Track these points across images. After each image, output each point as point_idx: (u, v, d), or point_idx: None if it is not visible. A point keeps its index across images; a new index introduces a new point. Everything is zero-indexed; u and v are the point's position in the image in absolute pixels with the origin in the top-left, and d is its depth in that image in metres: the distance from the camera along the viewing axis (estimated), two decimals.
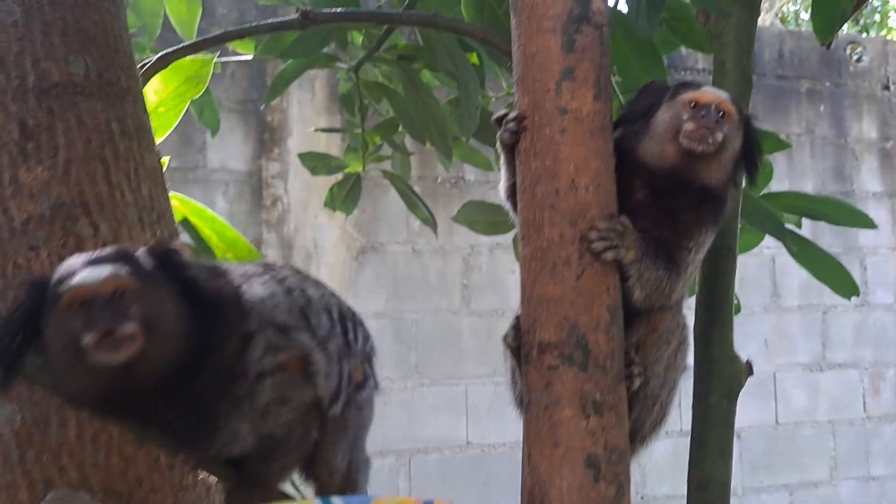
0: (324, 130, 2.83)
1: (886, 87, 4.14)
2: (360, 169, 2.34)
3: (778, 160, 3.95)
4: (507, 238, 3.62)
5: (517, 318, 0.84)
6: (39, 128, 0.91)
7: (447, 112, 1.92)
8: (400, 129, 2.23)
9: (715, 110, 0.88)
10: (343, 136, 3.09)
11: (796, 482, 3.87)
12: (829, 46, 1.35)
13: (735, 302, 2.34)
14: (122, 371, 0.72)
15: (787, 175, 3.85)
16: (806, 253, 2.07)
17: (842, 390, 3.95)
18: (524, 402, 0.81)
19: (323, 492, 0.81)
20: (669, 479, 3.36)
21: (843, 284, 2.10)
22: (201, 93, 1.44)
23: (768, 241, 3.21)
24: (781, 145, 2.07)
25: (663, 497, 3.56)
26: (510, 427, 3.64)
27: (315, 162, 2.56)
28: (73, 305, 0.73)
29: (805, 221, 2.21)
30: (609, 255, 0.81)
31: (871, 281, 4.04)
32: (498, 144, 0.87)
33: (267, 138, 3.37)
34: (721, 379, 0.93)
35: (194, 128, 3.11)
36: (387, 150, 2.36)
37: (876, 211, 3.95)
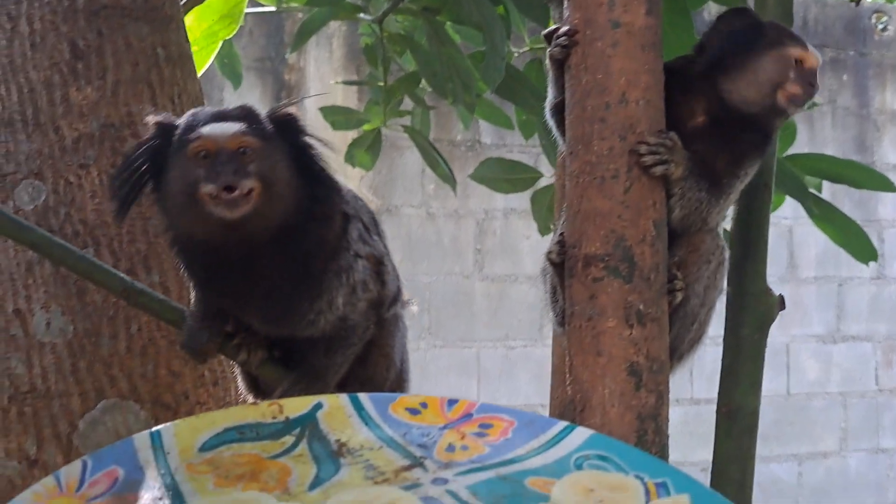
0: (347, 83, 2.83)
1: None
2: (381, 124, 2.34)
3: (799, 130, 3.92)
4: (521, 203, 3.63)
5: (561, 234, 0.86)
6: (89, 48, 0.92)
7: (471, 66, 1.92)
8: (421, 84, 2.23)
9: (817, 75, 0.90)
10: (360, 96, 3.09)
11: (805, 453, 3.89)
12: (857, 3, 1.34)
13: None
14: (235, 224, 0.75)
15: (807, 145, 3.82)
16: (826, 216, 2.07)
17: (855, 363, 3.96)
18: (566, 316, 0.83)
19: (378, 390, 0.84)
20: (681, 447, 3.39)
21: (862, 249, 2.10)
22: (234, 33, 1.44)
23: (786, 211, 3.21)
24: (810, 105, 2.05)
25: (674, 463, 3.59)
26: (521, 390, 3.68)
27: (336, 116, 2.56)
28: (198, 155, 0.75)
29: (825, 193, 2.21)
30: (658, 170, 0.82)
31: (889, 254, 4.02)
32: (547, 61, 0.88)
33: (284, 96, 3.37)
34: (753, 312, 0.94)
35: (212, 84, 3.11)
36: (406, 107, 2.36)
37: None
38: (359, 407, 0.66)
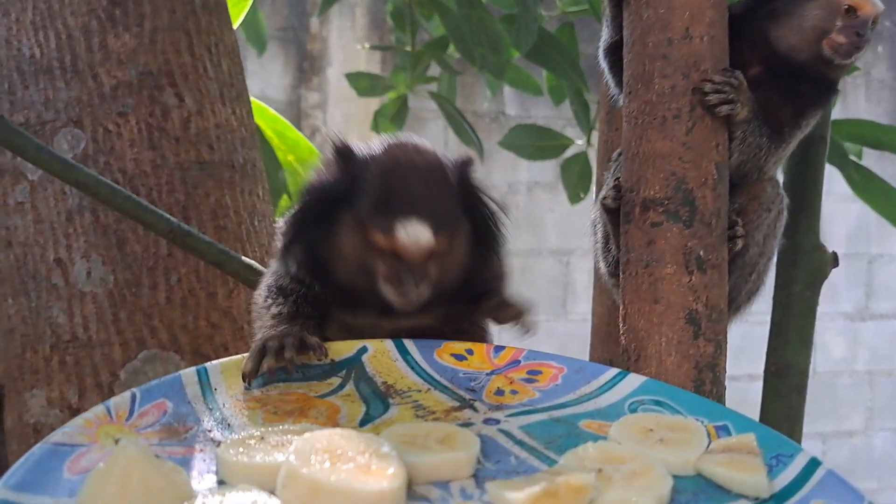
0: (374, 48, 2.79)
1: None
2: (407, 90, 2.31)
3: None
4: (545, 176, 3.59)
5: (616, 179, 0.83)
6: None
7: (501, 29, 1.88)
8: (449, 50, 2.19)
9: (871, 24, 0.85)
10: (383, 67, 3.05)
11: (830, 431, 3.86)
12: None
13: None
14: (404, 308, 0.68)
15: (841, 117, 3.75)
16: (867, 184, 2.02)
17: (883, 341, 3.91)
18: (622, 264, 0.80)
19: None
20: (734, 363, 3.36)
21: None
22: None
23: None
24: (851, 69, 2.00)
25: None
26: None
27: (362, 82, 2.53)
28: (385, 249, 0.68)
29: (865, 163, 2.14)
30: (724, 109, 0.78)
31: None
32: (605, 1, 0.85)
33: (307, 67, 3.34)
34: (806, 268, 0.91)
35: None
36: (433, 73, 2.33)
37: None
38: (404, 352, 0.65)
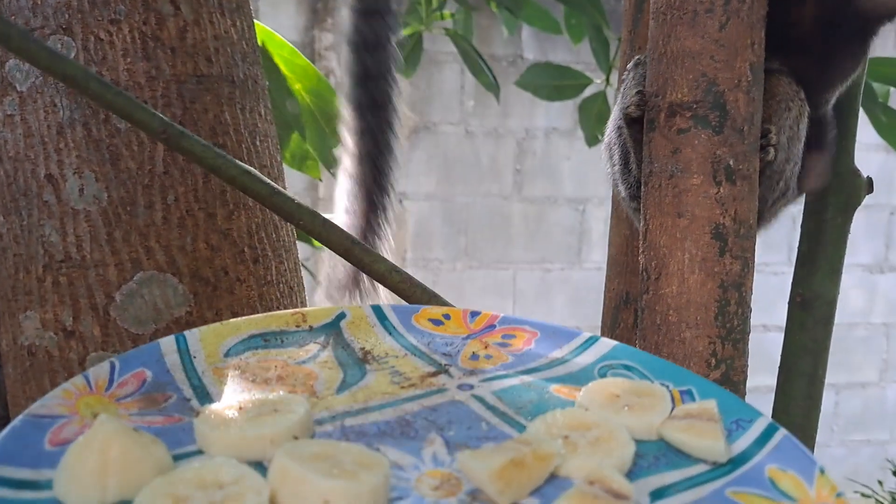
0: None
1: None
2: (422, 27, 2.25)
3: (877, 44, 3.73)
4: (563, 122, 3.51)
5: (639, 88, 0.77)
6: None
7: None
8: None
9: None
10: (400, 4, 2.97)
11: (844, 382, 3.84)
12: None
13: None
14: None
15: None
16: (892, 126, 1.96)
17: None
18: (644, 177, 0.75)
19: None
20: None
21: None
22: None
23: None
24: None
25: None
26: (557, 313, 3.64)
27: None
28: None
29: None
30: None
31: None
32: None
33: (320, 7, 3.26)
34: (839, 193, 0.86)
35: None
36: (449, 10, 2.26)
37: None
38: (382, 317, 0.65)
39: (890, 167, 3.62)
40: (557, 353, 0.62)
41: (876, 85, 1.99)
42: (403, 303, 0.69)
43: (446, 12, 2.30)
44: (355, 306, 0.65)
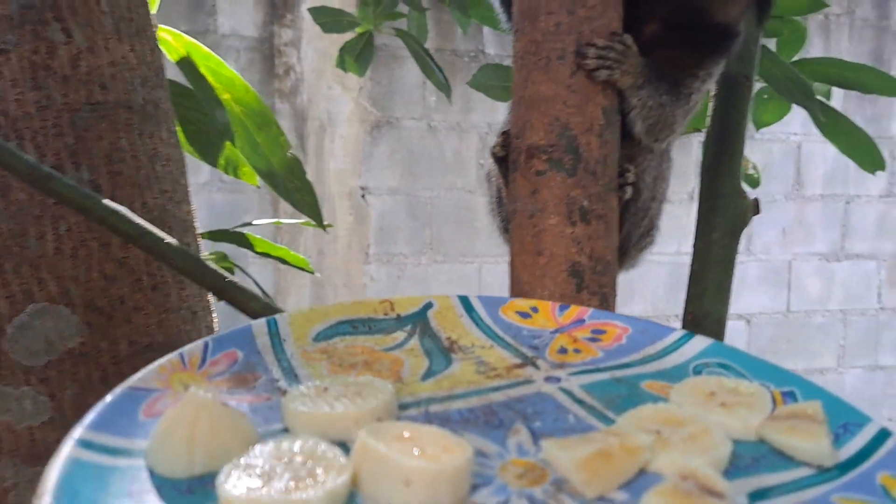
0: None
1: None
2: (372, 27, 2.24)
3: (814, 42, 3.77)
4: None
5: (508, 125, 0.78)
6: None
7: None
8: None
9: None
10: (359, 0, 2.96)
11: (803, 369, 3.90)
12: None
13: (756, 175, 2.27)
14: None
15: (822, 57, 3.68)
16: (833, 124, 1.99)
17: (857, 281, 3.93)
18: (509, 214, 0.77)
19: None
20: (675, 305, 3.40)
21: (869, 158, 2.03)
22: None
23: (795, 127, 3.10)
24: (819, 4, 1.94)
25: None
26: None
27: (326, 17, 2.47)
28: None
29: (838, 105, 2.09)
30: (602, 74, 0.74)
31: None
32: None
33: (279, 2, 3.24)
34: (726, 214, 0.88)
35: None
36: (403, 10, 2.26)
37: None
38: (469, 308, 0.65)
39: (845, 158, 3.67)
40: (650, 350, 0.61)
41: (818, 84, 2.02)
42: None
43: (397, 12, 2.30)
44: (443, 296, 0.65)
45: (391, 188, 3.30)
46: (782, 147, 3.73)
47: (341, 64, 2.37)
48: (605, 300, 0.72)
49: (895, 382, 3.95)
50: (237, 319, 0.65)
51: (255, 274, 3.14)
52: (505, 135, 0.79)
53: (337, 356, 0.59)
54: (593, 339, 0.62)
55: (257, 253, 1.88)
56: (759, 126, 2.12)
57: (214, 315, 1.03)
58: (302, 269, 1.90)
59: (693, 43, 0.82)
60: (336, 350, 0.59)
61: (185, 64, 1.41)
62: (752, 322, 3.84)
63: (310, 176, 3.32)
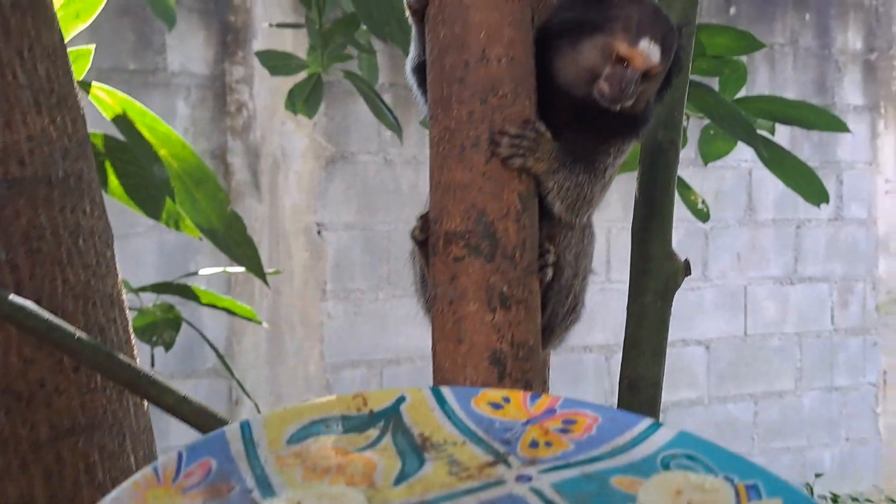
0: (281, 26, 2.70)
1: None
2: (320, 70, 2.25)
3: (760, 71, 3.86)
4: None
5: (427, 211, 0.78)
6: None
7: None
8: (365, 27, 2.12)
9: (640, 76, 0.80)
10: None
11: (761, 392, 3.95)
12: None
13: (704, 209, 2.31)
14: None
15: (768, 87, 3.77)
16: (777, 159, 2.04)
17: (811, 303, 4.00)
18: (430, 299, 0.76)
19: None
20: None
21: (813, 191, 2.07)
22: None
23: (745, 153, 3.17)
24: (755, 45, 1.99)
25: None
26: None
27: (274, 61, 2.47)
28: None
29: (785, 135, 2.15)
30: (517, 162, 0.75)
31: (847, 195, 4.03)
32: (407, 11, 0.78)
33: (230, 40, 3.22)
34: (657, 277, 0.88)
35: (152, 28, 2.97)
36: (353, 50, 2.26)
37: (856, 125, 3.89)
38: (441, 401, 0.65)
39: None
40: (619, 441, 0.61)
41: (761, 120, 2.06)
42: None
43: (346, 54, 2.30)
44: (415, 389, 0.65)
45: (347, 223, 3.28)
46: (734, 174, 3.80)
47: (291, 106, 2.37)
48: (530, 386, 0.71)
49: (851, 403, 4.02)
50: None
51: (208, 314, 3.09)
52: (424, 218, 0.79)
53: (311, 460, 0.59)
54: (564, 431, 0.63)
55: (203, 304, 1.85)
56: (706, 160, 2.16)
57: None
58: (249, 319, 1.87)
59: (602, 129, 0.83)
60: (310, 453, 0.60)
61: (121, 121, 1.39)
62: (710, 347, 3.88)
63: (264, 213, 3.29)
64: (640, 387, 0.88)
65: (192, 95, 3.11)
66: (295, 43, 3.03)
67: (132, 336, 1.01)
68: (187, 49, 3.14)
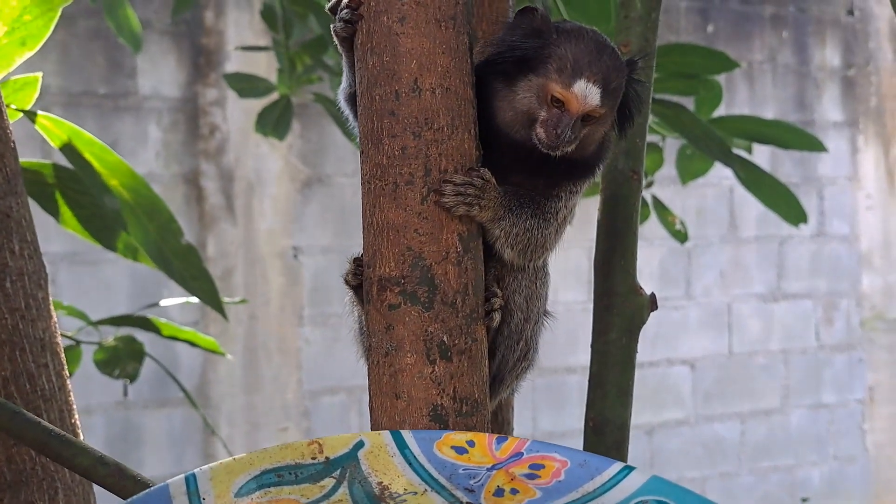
0: (247, 49, 2.67)
1: (850, 13, 4.03)
2: (288, 92, 2.22)
3: (739, 88, 3.86)
4: None
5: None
6: None
7: None
8: (331, 48, 2.09)
9: (578, 120, 0.75)
10: None
11: (748, 411, 3.91)
12: None
13: (682, 230, 2.27)
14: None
15: (747, 104, 3.77)
16: (754, 179, 2.02)
17: (795, 320, 3.98)
18: (365, 350, 0.71)
19: None
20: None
21: (792, 211, 2.05)
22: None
23: (725, 170, 3.14)
24: (729, 65, 1.97)
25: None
26: None
27: (243, 83, 2.45)
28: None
29: (765, 151, 2.14)
30: (461, 210, 0.70)
31: (829, 211, 4.02)
32: (335, 39, 0.73)
33: (202, 62, 3.18)
34: (621, 314, 0.83)
35: (123, 51, 2.92)
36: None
37: (836, 141, 3.89)
38: (402, 445, 0.63)
39: None
40: (589, 486, 0.59)
41: (738, 140, 2.04)
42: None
43: (314, 76, 2.27)
44: (374, 434, 0.62)
45: (324, 247, 3.23)
46: (715, 191, 3.79)
47: (261, 129, 2.33)
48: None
49: (838, 420, 3.99)
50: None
51: (181, 344, 3.02)
52: (357, 261, 0.74)
53: None
54: (531, 476, 0.60)
55: (164, 337, 1.79)
56: (684, 179, 2.13)
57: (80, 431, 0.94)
58: (212, 351, 1.81)
59: (549, 173, 0.78)
60: None
61: (68, 150, 1.33)
62: (695, 366, 3.84)
63: (239, 238, 3.23)
64: (605, 430, 0.82)
65: (164, 119, 3.06)
66: (268, 65, 2.99)
67: (67, 381, 0.95)
68: (159, 72, 3.09)
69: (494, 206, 0.73)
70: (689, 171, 2.09)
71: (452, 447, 0.62)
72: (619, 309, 0.83)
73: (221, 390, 3.16)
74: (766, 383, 3.88)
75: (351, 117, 0.76)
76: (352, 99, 0.76)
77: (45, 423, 0.62)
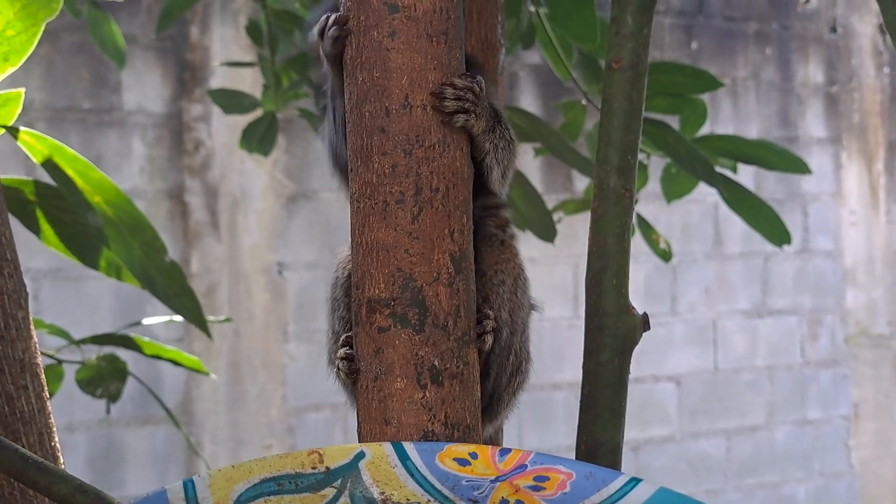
0: (232, 64, 2.66)
1: (833, 30, 4.07)
2: (273, 108, 2.21)
3: (723, 105, 3.88)
4: None
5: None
6: None
7: None
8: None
9: None
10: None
11: (734, 427, 3.91)
12: None
13: (667, 249, 2.27)
14: None
15: (732, 120, 3.80)
16: (738, 198, 2.02)
17: (780, 336, 3.99)
18: (352, 371, 0.68)
19: None
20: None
21: (775, 231, 2.06)
22: (55, 13, 1.26)
23: (711, 188, 3.14)
24: (713, 84, 1.98)
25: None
26: None
27: (227, 99, 2.43)
28: None
29: (750, 167, 2.15)
30: (460, 120, 0.68)
31: (813, 227, 4.04)
32: (324, 62, 0.72)
33: (187, 77, 3.17)
34: (613, 334, 0.82)
35: (108, 66, 2.90)
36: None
37: (819, 157, 3.92)
38: (404, 457, 0.62)
39: None
40: (595, 498, 0.59)
41: (723, 159, 2.05)
42: None
43: (301, 92, 2.26)
44: (375, 444, 0.61)
45: (309, 263, 3.21)
46: (700, 207, 3.80)
47: (246, 145, 2.32)
48: None
49: (824, 436, 3.99)
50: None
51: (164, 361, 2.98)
52: (348, 340, 0.71)
53: None
54: (536, 488, 0.59)
55: (147, 356, 1.76)
56: (669, 198, 2.13)
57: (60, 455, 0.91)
58: (196, 370, 1.79)
59: None
60: None
61: (50, 166, 1.32)
62: (681, 383, 3.84)
63: (223, 254, 3.20)
64: (597, 453, 0.80)
65: (148, 134, 3.03)
66: (254, 80, 2.98)
67: (47, 403, 0.92)
68: (143, 87, 3.08)
69: (486, 115, 0.72)
70: (673, 190, 2.09)
71: (455, 459, 0.61)
72: (612, 329, 0.82)
73: (205, 407, 3.12)
74: (751, 399, 3.89)
75: (342, 138, 0.75)
76: (342, 118, 0.74)
77: (22, 449, 0.60)
